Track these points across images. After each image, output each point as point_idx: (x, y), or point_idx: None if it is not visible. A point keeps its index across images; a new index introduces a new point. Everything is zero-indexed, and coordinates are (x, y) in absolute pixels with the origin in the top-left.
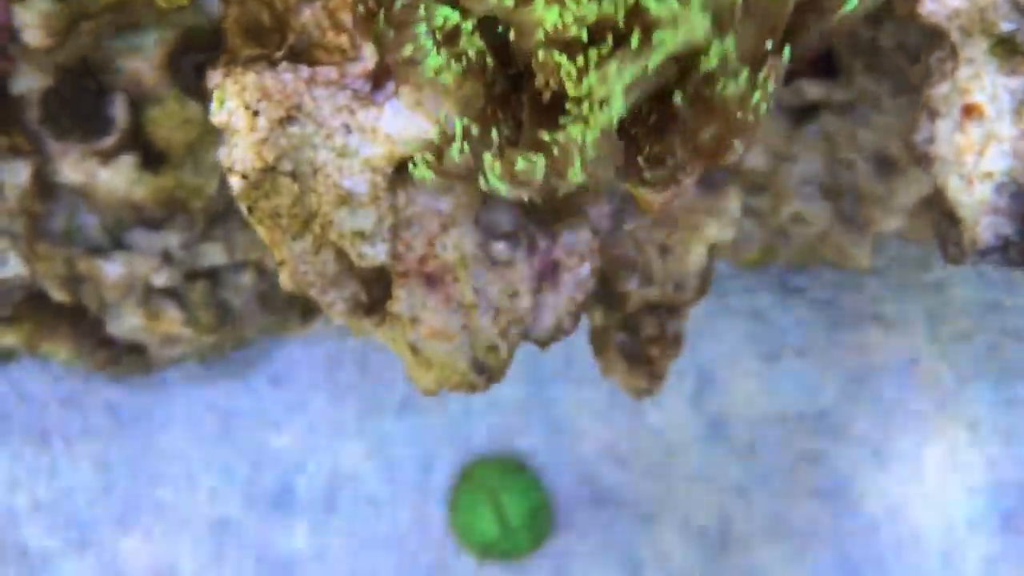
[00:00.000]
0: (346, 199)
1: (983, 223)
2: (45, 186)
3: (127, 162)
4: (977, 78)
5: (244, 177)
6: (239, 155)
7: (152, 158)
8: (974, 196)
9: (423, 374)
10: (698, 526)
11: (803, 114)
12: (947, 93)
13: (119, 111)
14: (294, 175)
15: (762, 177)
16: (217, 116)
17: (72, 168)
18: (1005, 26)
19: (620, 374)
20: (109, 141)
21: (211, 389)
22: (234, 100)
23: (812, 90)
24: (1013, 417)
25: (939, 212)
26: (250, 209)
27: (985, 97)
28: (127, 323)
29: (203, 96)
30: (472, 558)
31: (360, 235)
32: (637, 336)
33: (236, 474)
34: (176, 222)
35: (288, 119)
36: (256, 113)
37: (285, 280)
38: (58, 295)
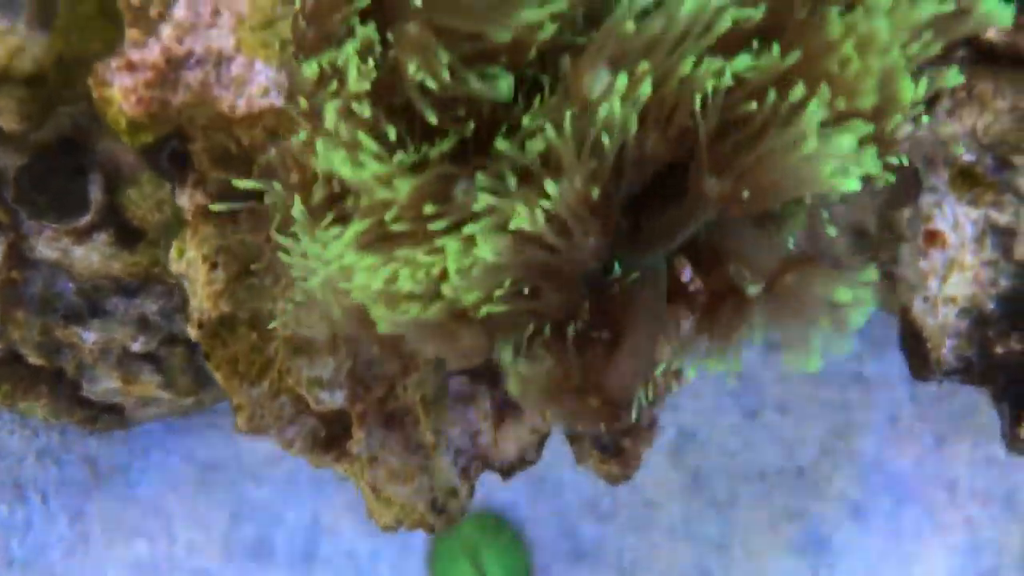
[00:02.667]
0: (304, 348)
1: (947, 345)
2: (21, 258)
3: (103, 239)
4: (939, 206)
5: (201, 326)
6: (197, 304)
7: (128, 235)
8: (938, 319)
9: (383, 511)
10: None
11: None
12: (910, 217)
13: (96, 191)
14: (252, 323)
15: None
16: (176, 265)
17: (47, 245)
18: (967, 157)
19: (593, 462)
20: (85, 220)
21: (190, 440)
22: (193, 250)
23: None
24: (990, 477)
25: (905, 329)
26: (207, 354)
27: (947, 225)
28: (103, 386)
29: (178, 180)
30: None
31: (318, 382)
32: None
33: (214, 526)
34: (154, 289)
35: (246, 272)
36: (215, 265)
37: (242, 424)
38: (35, 360)
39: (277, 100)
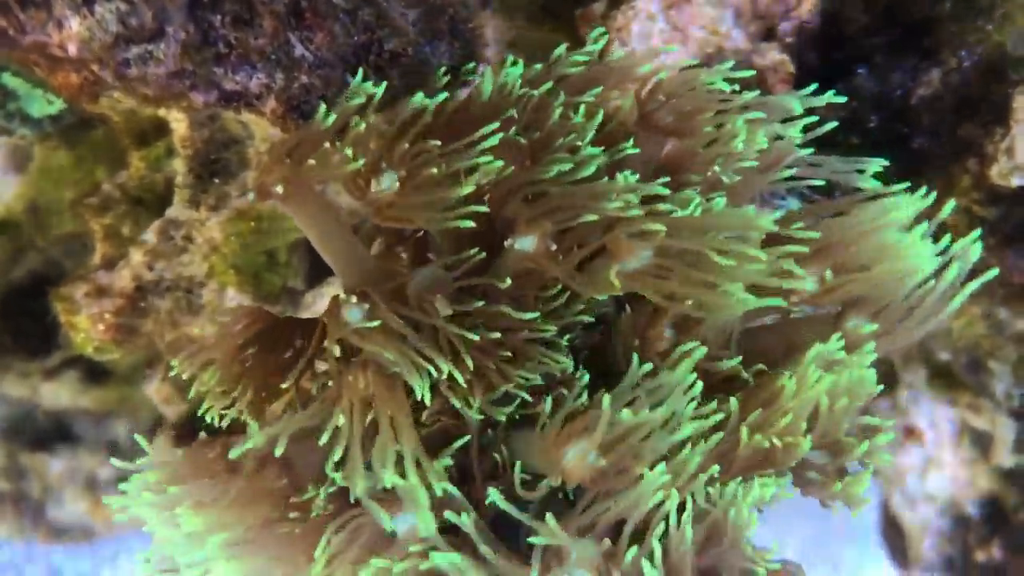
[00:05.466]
0: None
1: (927, 542)
2: None
3: (71, 377)
4: (916, 402)
5: None
6: None
7: (99, 372)
8: (917, 515)
9: None
10: None
11: None
12: (887, 410)
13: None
14: None
15: None
16: None
17: (13, 384)
18: (943, 356)
19: None
20: (53, 361)
21: None
22: None
23: None
24: None
25: (885, 520)
26: None
27: (924, 423)
28: (70, 509)
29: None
30: None
31: None
32: None
33: None
34: (123, 413)
35: None
36: None
37: None
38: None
39: None
